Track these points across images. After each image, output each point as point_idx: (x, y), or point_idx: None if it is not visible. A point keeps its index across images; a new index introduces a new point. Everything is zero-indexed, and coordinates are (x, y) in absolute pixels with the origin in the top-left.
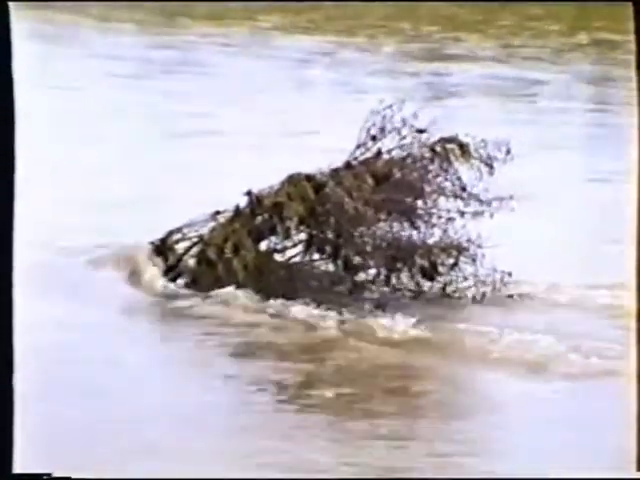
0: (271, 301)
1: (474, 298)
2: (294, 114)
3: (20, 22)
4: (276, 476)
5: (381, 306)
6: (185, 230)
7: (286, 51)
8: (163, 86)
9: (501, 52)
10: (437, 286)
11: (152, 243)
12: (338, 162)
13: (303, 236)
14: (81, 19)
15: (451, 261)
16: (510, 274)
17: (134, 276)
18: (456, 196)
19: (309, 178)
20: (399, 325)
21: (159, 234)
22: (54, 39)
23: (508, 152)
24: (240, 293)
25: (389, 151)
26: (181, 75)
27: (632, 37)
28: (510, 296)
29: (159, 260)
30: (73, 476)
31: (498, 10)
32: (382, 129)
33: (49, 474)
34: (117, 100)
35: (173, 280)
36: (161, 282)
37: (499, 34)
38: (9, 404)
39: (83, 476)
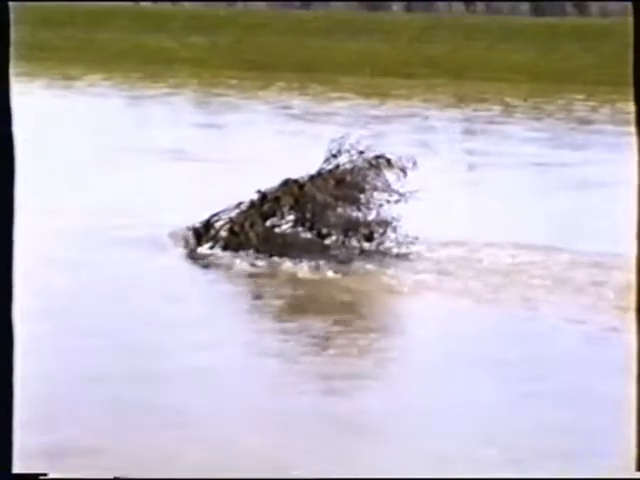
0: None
1: (396, 253)
2: None
3: None
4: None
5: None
6: (221, 214)
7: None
8: None
9: None
10: (373, 246)
11: (200, 222)
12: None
13: (292, 217)
14: None
15: (381, 231)
16: (417, 238)
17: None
18: (384, 191)
19: (295, 181)
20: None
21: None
22: None
23: (414, 164)
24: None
25: (344, 164)
26: None
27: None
28: (417, 253)
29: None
30: (73, 476)
31: None
32: (339, 150)
33: (47, 474)
34: None
35: (212, 246)
36: (205, 246)
37: None
38: (9, 403)
39: (83, 476)
